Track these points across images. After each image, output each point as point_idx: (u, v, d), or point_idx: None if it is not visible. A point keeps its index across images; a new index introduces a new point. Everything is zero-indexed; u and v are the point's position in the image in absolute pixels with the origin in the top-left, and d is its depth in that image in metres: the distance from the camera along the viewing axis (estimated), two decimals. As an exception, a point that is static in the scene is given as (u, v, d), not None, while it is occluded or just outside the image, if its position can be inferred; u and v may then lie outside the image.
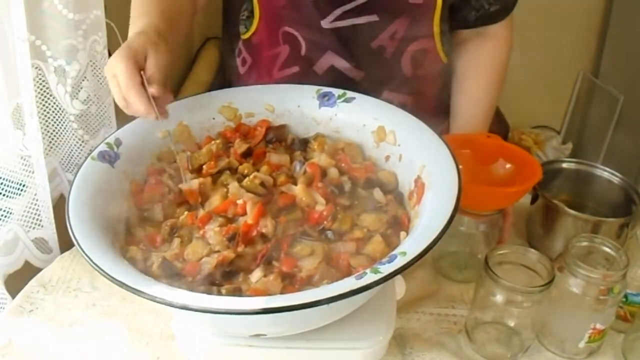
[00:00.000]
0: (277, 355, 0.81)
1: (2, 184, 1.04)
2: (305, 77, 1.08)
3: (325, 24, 1.03)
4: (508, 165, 0.99)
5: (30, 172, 1.06)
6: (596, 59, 2.53)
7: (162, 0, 0.95)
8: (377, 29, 1.03)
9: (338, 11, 1.01)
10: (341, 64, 1.06)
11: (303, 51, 1.07)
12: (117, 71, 0.81)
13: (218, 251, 0.78)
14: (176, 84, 2.19)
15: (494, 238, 1.03)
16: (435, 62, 1.11)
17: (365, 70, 1.07)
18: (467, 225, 1.01)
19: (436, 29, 1.05)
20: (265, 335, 0.77)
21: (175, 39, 0.94)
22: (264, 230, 0.79)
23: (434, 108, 1.15)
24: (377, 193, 0.87)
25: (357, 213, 0.84)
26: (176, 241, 0.80)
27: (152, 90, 0.81)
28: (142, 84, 0.81)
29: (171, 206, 0.87)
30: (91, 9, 1.05)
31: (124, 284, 0.67)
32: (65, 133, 1.13)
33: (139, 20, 0.90)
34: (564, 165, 1.13)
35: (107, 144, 0.88)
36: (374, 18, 1.01)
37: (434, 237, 0.70)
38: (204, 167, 0.90)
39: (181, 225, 0.83)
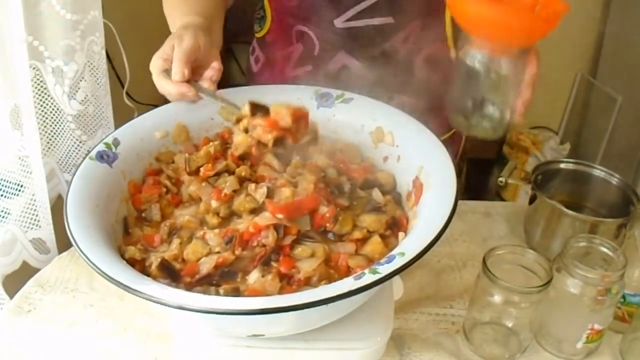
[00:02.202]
0: (276, 356, 0.81)
1: (0, 184, 1.04)
2: (318, 75, 1.08)
3: (339, 23, 1.03)
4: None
5: (28, 172, 1.06)
6: (594, 59, 2.53)
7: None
8: (391, 31, 1.03)
9: (351, 11, 1.01)
10: (353, 64, 1.07)
11: (316, 50, 1.07)
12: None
13: (218, 252, 0.78)
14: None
15: (518, 84, 0.91)
16: (448, 66, 1.10)
17: (377, 71, 1.07)
18: (488, 64, 0.88)
19: (449, 32, 1.05)
20: (264, 335, 0.77)
21: (217, 25, 1.01)
22: (264, 241, 0.79)
23: (444, 110, 1.15)
24: (376, 193, 0.87)
25: (357, 214, 0.84)
26: (176, 241, 0.80)
27: (175, 78, 0.90)
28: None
29: (169, 206, 0.87)
30: (89, 9, 1.05)
31: (122, 284, 0.67)
32: (63, 133, 1.12)
33: (175, 23, 0.98)
34: (562, 165, 1.13)
35: (105, 144, 0.88)
36: (389, 20, 1.01)
37: (432, 237, 0.70)
38: (202, 169, 0.90)
39: (180, 226, 0.83)
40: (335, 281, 0.72)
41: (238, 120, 0.87)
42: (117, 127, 0.92)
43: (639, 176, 2.30)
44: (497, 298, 0.86)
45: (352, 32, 1.04)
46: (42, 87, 1.06)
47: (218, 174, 0.90)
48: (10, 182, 1.05)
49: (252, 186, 0.85)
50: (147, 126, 0.93)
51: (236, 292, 0.74)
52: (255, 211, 0.82)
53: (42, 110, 1.08)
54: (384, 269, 0.67)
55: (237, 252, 0.78)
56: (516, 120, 0.92)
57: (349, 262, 0.78)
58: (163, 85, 0.90)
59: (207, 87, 0.91)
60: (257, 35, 1.18)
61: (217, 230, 0.80)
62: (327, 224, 0.81)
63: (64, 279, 1.02)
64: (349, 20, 1.03)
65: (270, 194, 0.83)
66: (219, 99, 0.92)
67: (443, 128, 1.17)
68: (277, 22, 1.10)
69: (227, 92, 0.99)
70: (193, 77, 0.91)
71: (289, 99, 0.98)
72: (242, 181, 0.88)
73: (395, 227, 0.83)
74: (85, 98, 1.11)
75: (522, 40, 0.88)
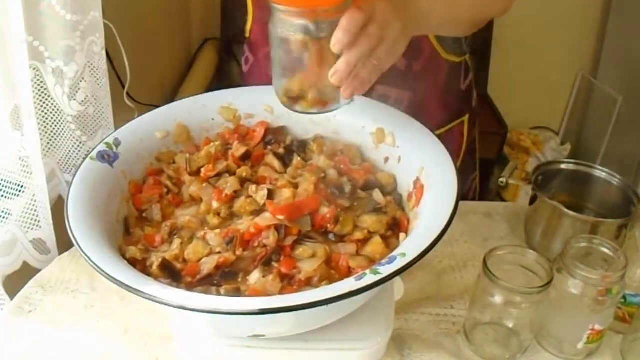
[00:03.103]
0: (276, 356, 0.81)
1: (0, 184, 1.04)
2: None
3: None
4: None
5: (28, 172, 1.06)
6: (595, 60, 2.54)
7: None
8: None
9: None
10: None
11: None
12: None
13: (219, 252, 0.78)
14: (175, 85, 2.20)
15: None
16: (431, 58, 1.09)
17: None
18: (301, 31, 0.74)
19: None
20: (264, 335, 0.77)
21: None
22: (265, 242, 0.79)
23: (431, 105, 1.14)
24: (377, 194, 0.87)
25: (358, 214, 0.84)
26: (177, 242, 0.80)
27: None
28: None
29: (169, 207, 0.87)
30: (89, 10, 1.05)
31: (123, 283, 0.67)
32: (63, 134, 1.12)
33: None
34: (563, 166, 1.13)
35: (106, 144, 0.88)
36: None
37: (433, 238, 0.70)
38: (203, 169, 0.90)
39: (181, 226, 0.83)
40: (336, 282, 0.72)
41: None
42: (117, 127, 0.92)
43: (640, 177, 2.31)
44: (498, 298, 0.86)
45: None
46: (42, 87, 1.06)
47: (219, 175, 0.90)
48: (10, 183, 1.05)
49: (252, 188, 0.85)
50: (148, 126, 0.93)
51: (237, 293, 0.74)
52: (256, 213, 0.83)
53: (43, 111, 1.08)
54: (385, 270, 0.67)
55: (238, 252, 0.78)
56: (343, 93, 0.76)
57: (349, 262, 0.78)
58: None
59: None
60: (246, 36, 1.19)
61: (218, 231, 0.80)
62: (328, 225, 0.81)
63: (65, 279, 1.02)
64: None
65: (270, 195, 0.83)
66: None
67: (437, 119, 1.16)
68: (258, 20, 1.10)
69: (230, 92, 1.00)
70: None
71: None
72: (243, 182, 0.88)
73: (396, 227, 0.83)
74: (85, 99, 1.11)
75: None
